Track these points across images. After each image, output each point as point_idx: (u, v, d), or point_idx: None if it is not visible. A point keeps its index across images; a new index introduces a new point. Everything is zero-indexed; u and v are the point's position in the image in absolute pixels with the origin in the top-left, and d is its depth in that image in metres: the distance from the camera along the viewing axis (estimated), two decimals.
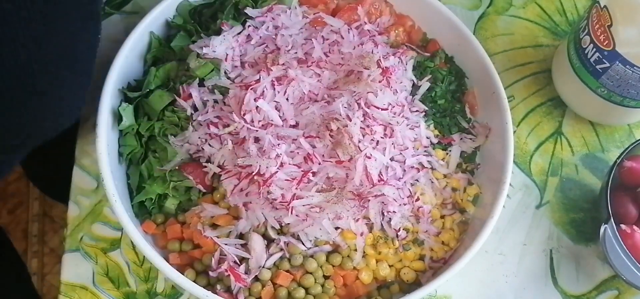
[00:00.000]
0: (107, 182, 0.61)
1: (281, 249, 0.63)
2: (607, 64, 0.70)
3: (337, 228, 0.64)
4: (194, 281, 0.60)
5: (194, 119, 0.66)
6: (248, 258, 0.62)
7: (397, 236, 0.65)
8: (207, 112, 0.66)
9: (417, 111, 0.71)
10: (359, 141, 0.64)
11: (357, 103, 0.66)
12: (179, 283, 0.59)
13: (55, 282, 1.35)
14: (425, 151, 0.69)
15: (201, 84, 0.67)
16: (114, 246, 0.68)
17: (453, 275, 0.61)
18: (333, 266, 0.64)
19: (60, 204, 1.29)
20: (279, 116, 0.65)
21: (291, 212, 0.62)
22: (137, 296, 0.66)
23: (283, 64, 0.68)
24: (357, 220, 0.64)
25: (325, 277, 0.64)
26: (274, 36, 0.71)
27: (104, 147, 0.62)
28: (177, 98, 0.66)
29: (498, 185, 0.66)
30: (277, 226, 0.63)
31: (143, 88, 0.67)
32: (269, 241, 0.64)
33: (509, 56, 0.83)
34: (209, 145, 0.65)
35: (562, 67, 0.78)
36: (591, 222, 0.74)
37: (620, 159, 0.69)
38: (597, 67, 0.71)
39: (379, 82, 0.67)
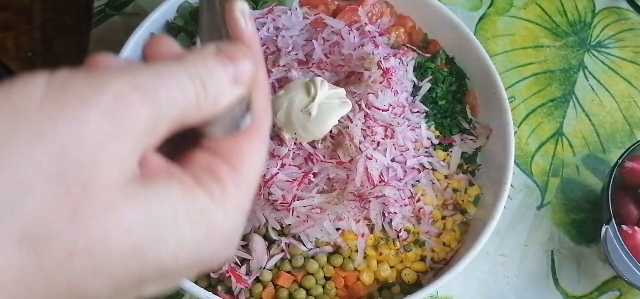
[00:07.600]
0: None
1: (282, 251, 0.63)
2: None
3: (338, 229, 0.64)
4: (195, 283, 0.60)
5: None
6: (249, 259, 0.62)
7: (398, 237, 0.65)
8: None
9: (418, 111, 0.71)
10: (360, 142, 0.64)
11: (358, 104, 0.66)
12: (179, 284, 0.59)
13: None
14: (426, 152, 0.69)
15: None
16: None
17: (454, 276, 0.61)
18: (334, 267, 0.64)
19: None
20: None
21: (292, 214, 0.62)
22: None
23: (284, 65, 0.68)
24: (358, 221, 0.64)
25: (327, 278, 0.64)
26: (274, 37, 0.71)
27: None
28: None
29: (499, 186, 0.66)
30: (278, 227, 0.63)
31: None
32: (270, 242, 0.63)
33: (509, 57, 0.83)
34: None
35: None
36: (592, 223, 0.74)
37: (621, 159, 0.69)
38: None
39: (380, 83, 0.67)
